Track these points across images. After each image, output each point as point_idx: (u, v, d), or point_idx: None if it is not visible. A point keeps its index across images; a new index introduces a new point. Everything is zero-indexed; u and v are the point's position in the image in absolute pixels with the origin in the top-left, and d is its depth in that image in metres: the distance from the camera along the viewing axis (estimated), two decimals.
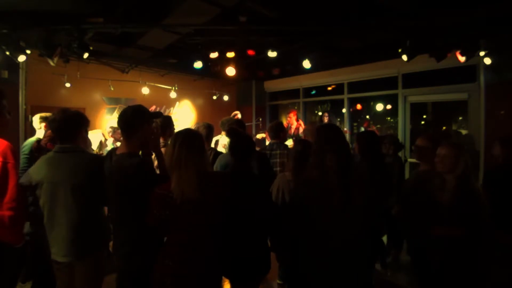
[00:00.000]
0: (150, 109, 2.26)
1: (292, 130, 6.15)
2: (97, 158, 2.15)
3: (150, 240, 1.80)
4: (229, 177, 1.99)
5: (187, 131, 1.80)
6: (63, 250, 1.91)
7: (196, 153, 1.69)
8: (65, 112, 2.02)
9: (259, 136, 6.66)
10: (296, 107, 8.21)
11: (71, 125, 2.01)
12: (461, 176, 2.07)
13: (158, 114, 2.19)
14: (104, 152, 4.07)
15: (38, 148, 2.76)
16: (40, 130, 3.13)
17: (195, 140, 1.73)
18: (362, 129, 7.82)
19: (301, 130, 5.96)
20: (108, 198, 1.91)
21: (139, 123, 1.87)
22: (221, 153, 3.19)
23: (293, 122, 6.21)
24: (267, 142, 3.85)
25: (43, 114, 3.18)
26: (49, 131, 2.48)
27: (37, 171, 1.96)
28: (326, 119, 6.55)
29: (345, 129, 6.82)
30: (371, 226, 1.95)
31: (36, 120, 3.18)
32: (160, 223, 1.65)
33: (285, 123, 6.73)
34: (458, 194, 2.05)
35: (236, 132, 2.83)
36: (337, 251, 1.75)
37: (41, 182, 1.93)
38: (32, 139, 3.00)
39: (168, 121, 3.10)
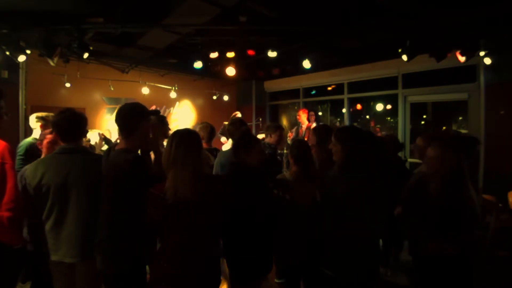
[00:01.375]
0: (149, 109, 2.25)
1: (303, 129, 5.86)
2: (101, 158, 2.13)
3: (138, 241, 1.76)
4: (229, 177, 1.98)
5: (184, 131, 1.79)
6: (72, 250, 1.89)
7: (193, 153, 1.68)
8: (69, 112, 1.99)
9: (259, 136, 6.62)
10: (296, 107, 8.19)
11: (75, 125, 1.99)
12: (447, 177, 1.96)
13: (155, 112, 2.16)
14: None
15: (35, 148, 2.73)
16: (36, 130, 3.05)
17: (193, 139, 1.73)
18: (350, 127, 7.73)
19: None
20: (102, 194, 1.86)
21: (137, 120, 1.85)
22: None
23: (304, 121, 5.90)
24: None
25: (40, 114, 3.11)
26: (46, 131, 2.44)
27: (40, 174, 1.91)
28: (312, 118, 6.51)
29: None
30: None
31: (32, 119, 3.09)
32: (157, 224, 1.65)
33: (285, 123, 6.70)
34: (444, 196, 1.96)
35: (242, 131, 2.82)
36: (366, 243, 1.91)
37: (46, 185, 1.88)
38: (28, 139, 2.96)
39: (162, 121, 3.09)
